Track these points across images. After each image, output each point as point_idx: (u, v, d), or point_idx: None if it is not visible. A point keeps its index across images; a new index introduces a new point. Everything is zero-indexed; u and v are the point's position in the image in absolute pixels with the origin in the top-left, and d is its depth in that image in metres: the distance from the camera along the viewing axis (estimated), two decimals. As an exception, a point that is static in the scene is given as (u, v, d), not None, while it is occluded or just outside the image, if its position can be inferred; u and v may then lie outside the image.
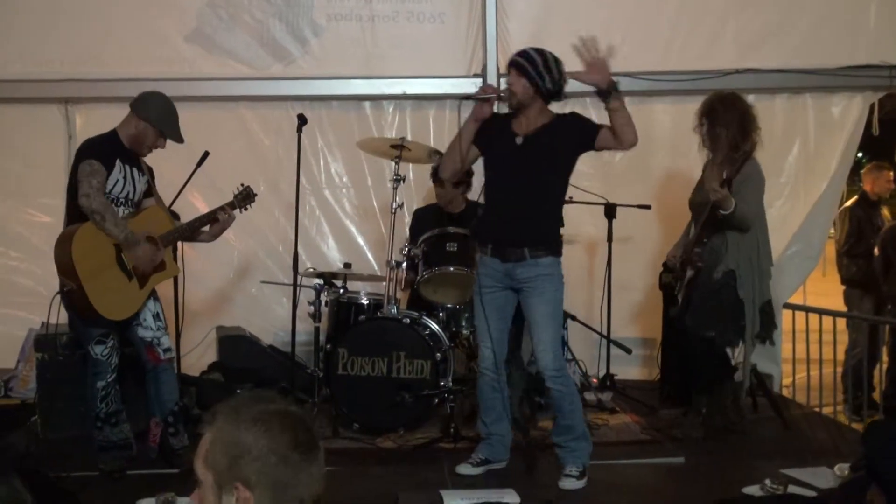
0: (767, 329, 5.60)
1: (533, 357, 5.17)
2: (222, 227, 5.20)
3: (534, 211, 4.76)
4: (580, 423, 4.87)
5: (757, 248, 5.46)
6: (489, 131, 4.82)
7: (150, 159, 5.10)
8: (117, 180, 4.81)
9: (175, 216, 5.23)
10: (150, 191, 5.07)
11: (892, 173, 7.98)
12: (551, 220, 4.88)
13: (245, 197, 5.33)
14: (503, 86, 5.03)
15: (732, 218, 5.28)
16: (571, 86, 4.88)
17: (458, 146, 4.81)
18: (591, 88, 4.70)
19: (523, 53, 4.78)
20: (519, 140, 4.75)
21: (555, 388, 4.79)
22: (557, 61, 4.75)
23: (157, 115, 4.87)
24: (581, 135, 4.79)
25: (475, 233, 5.07)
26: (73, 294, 4.67)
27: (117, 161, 4.80)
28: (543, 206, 4.82)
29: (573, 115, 5.01)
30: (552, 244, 4.83)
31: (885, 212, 8.09)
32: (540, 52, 4.75)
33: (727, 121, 5.48)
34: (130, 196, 4.90)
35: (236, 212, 5.27)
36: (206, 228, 5.20)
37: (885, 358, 7.21)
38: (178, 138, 4.96)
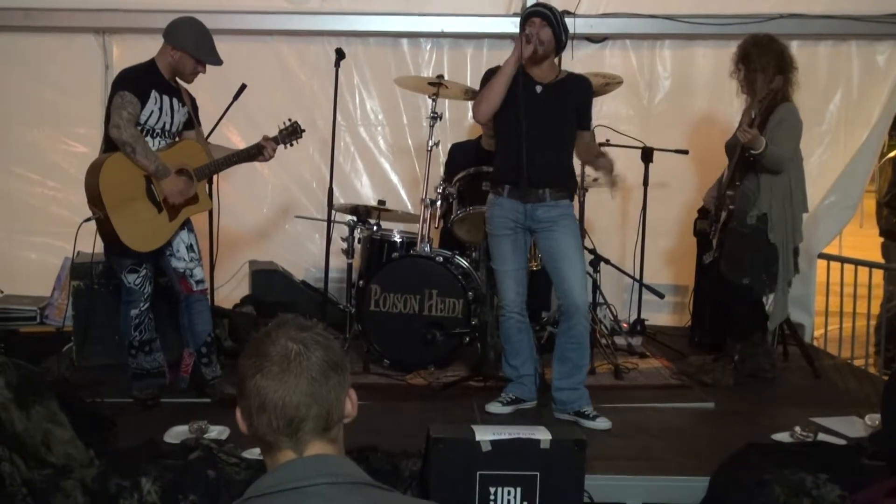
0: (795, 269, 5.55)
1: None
2: (262, 160, 5.18)
3: (554, 154, 4.82)
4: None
5: (790, 192, 5.38)
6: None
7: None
8: (152, 111, 4.78)
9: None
10: (192, 123, 5.04)
11: None
12: (568, 165, 4.93)
13: (292, 132, 5.26)
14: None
15: (763, 158, 5.21)
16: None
17: (499, 88, 4.74)
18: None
19: (544, 5, 4.89)
20: (539, 88, 4.79)
21: (583, 325, 4.79)
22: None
23: (192, 42, 4.81)
24: (579, 112, 4.91)
25: (491, 176, 5.06)
26: (100, 223, 4.71)
27: (153, 92, 4.77)
28: (562, 151, 4.89)
29: (588, 87, 5.06)
30: (570, 187, 4.94)
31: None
32: (551, 7, 4.88)
33: (763, 64, 5.38)
34: (167, 127, 4.87)
35: (280, 147, 5.23)
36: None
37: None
38: (217, 61, 4.90)
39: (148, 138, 4.78)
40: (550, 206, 4.78)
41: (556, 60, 4.96)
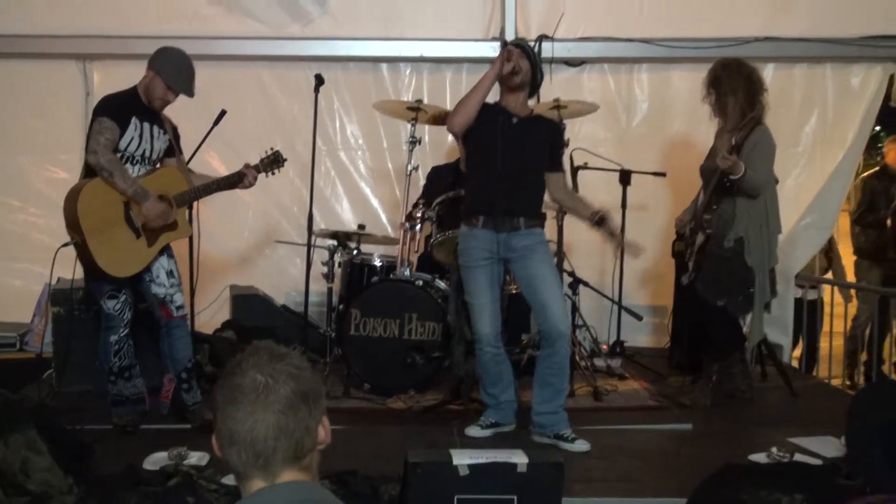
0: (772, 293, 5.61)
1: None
2: (242, 187, 5.17)
3: (527, 184, 4.87)
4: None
5: (766, 215, 5.45)
6: (481, 113, 4.84)
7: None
8: (132, 138, 4.80)
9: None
10: (173, 150, 5.05)
11: None
12: (540, 195, 4.97)
13: (273, 161, 5.23)
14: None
15: (742, 184, 5.27)
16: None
17: (476, 98, 4.79)
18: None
19: (524, 42, 5.07)
20: (514, 120, 4.85)
21: (565, 350, 4.84)
22: None
23: (165, 67, 4.83)
24: (551, 153, 4.99)
25: (463, 207, 5.07)
26: (78, 248, 4.73)
27: (133, 118, 4.79)
28: (535, 181, 4.93)
29: (559, 130, 5.22)
30: (541, 216, 4.97)
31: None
32: (530, 45, 5.05)
33: (733, 87, 5.46)
34: (147, 154, 4.89)
35: (261, 175, 5.20)
36: None
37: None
38: (185, 90, 4.89)
39: (127, 165, 4.81)
40: (525, 234, 4.82)
41: (529, 101, 5.05)
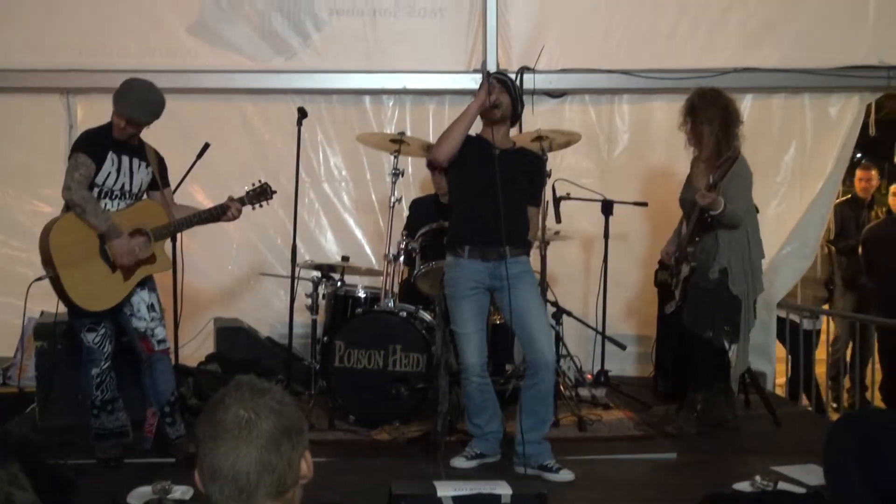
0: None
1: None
2: (226, 220, 5.13)
3: (512, 214, 4.88)
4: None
5: (748, 244, 5.49)
6: (463, 146, 4.89)
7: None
8: (109, 172, 4.81)
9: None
10: (157, 183, 5.01)
11: (870, 173, 8.05)
12: (524, 224, 5.00)
13: (260, 193, 5.19)
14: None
15: (722, 218, 5.32)
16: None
17: (460, 128, 4.84)
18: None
19: (505, 74, 5.13)
20: (497, 151, 4.88)
21: (550, 380, 4.86)
22: None
23: (118, 101, 4.78)
24: (531, 185, 5.06)
25: (448, 238, 5.10)
26: (53, 282, 4.74)
27: (109, 153, 4.79)
28: (519, 210, 4.96)
29: (542, 163, 5.28)
30: (526, 245, 5.01)
31: (876, 212, 8.15)
32: (511, 78, 5.13)
33: (710, 117, 5.52)
34: (127, 188, 4.89)
35: (247, 207, 5.18)
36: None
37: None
38: (129, 111, 4.76)
39: (107, 199, 4.82)
40: (511, 263, 4.84)
41: (510, 133, 5.13)
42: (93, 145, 4.79)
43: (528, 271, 4.95)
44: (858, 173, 8.10)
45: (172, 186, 5.35)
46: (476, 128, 4.98)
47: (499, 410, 5.06)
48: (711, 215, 5.32)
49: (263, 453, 1.87)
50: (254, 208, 5.22)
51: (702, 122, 5.52)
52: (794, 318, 7.01)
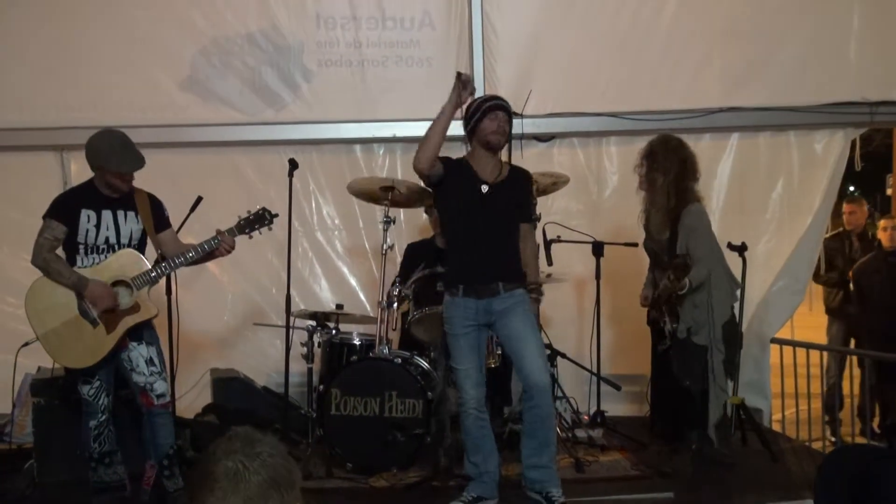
0: (733, 350, 5.69)
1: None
2: (219, 254, 5.06)
3: (503, 249, 5.01)
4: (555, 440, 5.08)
5: (709, 291, 5.55)
6: (453, 177, 5.02)
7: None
8: (87, 229, 4.86)
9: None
10: (153, 230, 5.00)
11: (854, 206, 8.13)
12: (517, 257, 5.09)
13: (255, 220, 5.09)
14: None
15: (692, 292, 5.39)
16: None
17: (437, 131, 4.90)
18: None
19: (507, 104, 5.16)
20: (485, 188, 4.99)
21: (545, 404, 4.91)
22: None
23: (105, 158, 4.81)
24: (520, 206, 5.15)
25: (446, 278, 5.19)
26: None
27: (82, 211, 4.84)
28: (510, 244, 5.07)
29: (528, 178, 5.31)
30: (520, 276, 5.07)
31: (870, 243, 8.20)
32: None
33: (666, 167, 5.58)
34: (113, 241, 4.91)
35: (243, 237, 5.09)
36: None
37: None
38: (134, 165, 4.85)
39: (94, 254, 4.87)
40: (504, 297, 4.95)
41: (500, 156, 5.19)
42: (61, 208, 4.88)
43: (523, 302, 5.01)
44: (845, 206, 8.18)
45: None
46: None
47: (496, 451, 5.09)
48: (679, 296, 5.43)
49: None
50: (250, 237, 5.14)
51: (657, 170, 5.59)
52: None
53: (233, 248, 5.06)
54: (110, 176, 4.84)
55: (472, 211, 4.95)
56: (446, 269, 5.23)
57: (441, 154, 4.97)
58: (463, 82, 4.87)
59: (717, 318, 5.58)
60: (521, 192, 5.16)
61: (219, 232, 5.03)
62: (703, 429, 5.68)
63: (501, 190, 5.02)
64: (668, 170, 5.55)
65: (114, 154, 4.82)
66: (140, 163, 4.87)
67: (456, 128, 5.14)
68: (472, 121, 5.05)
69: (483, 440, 5.04)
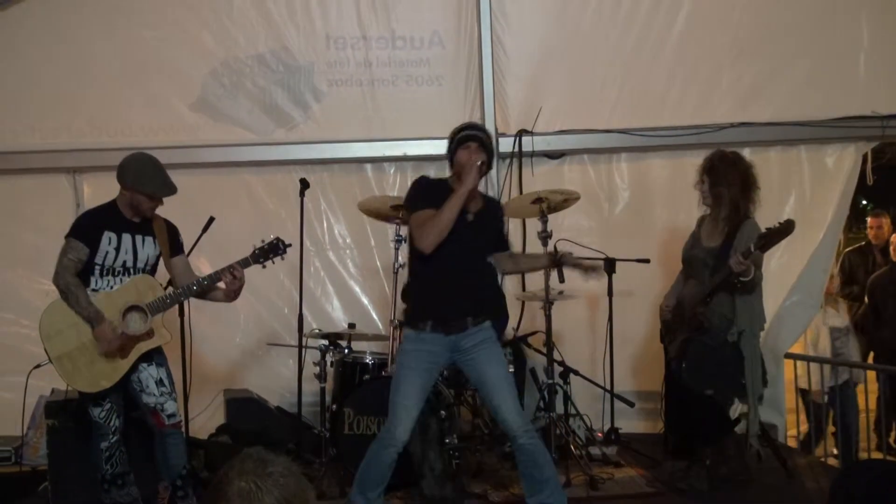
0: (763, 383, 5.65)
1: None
2: (233, 286, 5.02)
3: (478, 281, 4.86)
4: (555, 471, 4.86)
5: (754, 308, 5.51)
6: (438, 202, 4.72)
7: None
8: (107, 252, 4.88)
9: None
10: (168, 254, 5.04)
11: (880, 220, 8.11)
12: (492, 285, 5.01)
13: (269, 250, 5.09)
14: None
15: (749, 284, 5.34)
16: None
17: (450, 218, 4.64)
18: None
19: (481, 128, 5.00)
20: (470, 217, 4.80)
21: (528, 443, 4.71)
22: None
23: (139, 179, 4.86)
24: (496, 237, 5.04)
25: (409, 311, 4.93)
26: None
27: (105, 233, 4.87)
28: (486, 275, 4.95)
29: (500, 208, 5.18)
30: (489, 311, 4.89)
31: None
32: (485, 129, 5.03)
33: (730, 181, 5.55)
34: (130, 265, 4.95)
35: (256, 266, 5.08)
36: (221, 285, 5.07)
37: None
38: (168, 191, 4.93)
39: (109, 276, 4.90)
40: (473, 333, 4.78)
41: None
42: (85, 228, 4.89)
43: (489, 338, 4.82)
44: (870, 221, 8.16)
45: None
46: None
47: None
48: (742, 281, 5.32)
49: None
50: (264, 266, 5.14)
51: (721, 184, 5.56)
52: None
53: (240, 279, 5.00)
54: (141, 198, 4.88)
55: (455, 240, 4.68)
56: (413, 303, 4.91)
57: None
58: (481, 170, 4.73)
59: (757, 328, 5.54)
60: (500, 223, 5.07)
61: (228, 267, 4.99)
62: (716, 445, 5.64)
63: (482, 220, 4.87)
64: (733, 183, 5.53)
65: (148, 177, 4.88)
66: (173, 190, 4.94)
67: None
68: (449, 151, 4.92)
69: (385, 480, 4.81)
